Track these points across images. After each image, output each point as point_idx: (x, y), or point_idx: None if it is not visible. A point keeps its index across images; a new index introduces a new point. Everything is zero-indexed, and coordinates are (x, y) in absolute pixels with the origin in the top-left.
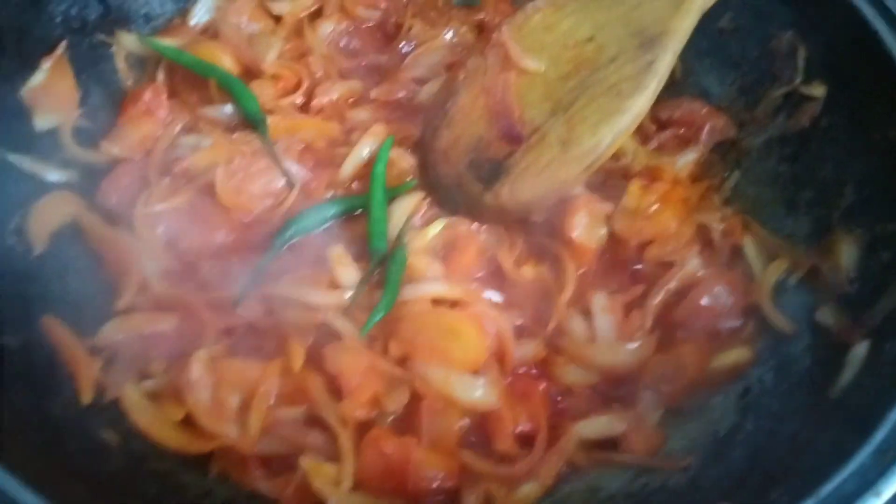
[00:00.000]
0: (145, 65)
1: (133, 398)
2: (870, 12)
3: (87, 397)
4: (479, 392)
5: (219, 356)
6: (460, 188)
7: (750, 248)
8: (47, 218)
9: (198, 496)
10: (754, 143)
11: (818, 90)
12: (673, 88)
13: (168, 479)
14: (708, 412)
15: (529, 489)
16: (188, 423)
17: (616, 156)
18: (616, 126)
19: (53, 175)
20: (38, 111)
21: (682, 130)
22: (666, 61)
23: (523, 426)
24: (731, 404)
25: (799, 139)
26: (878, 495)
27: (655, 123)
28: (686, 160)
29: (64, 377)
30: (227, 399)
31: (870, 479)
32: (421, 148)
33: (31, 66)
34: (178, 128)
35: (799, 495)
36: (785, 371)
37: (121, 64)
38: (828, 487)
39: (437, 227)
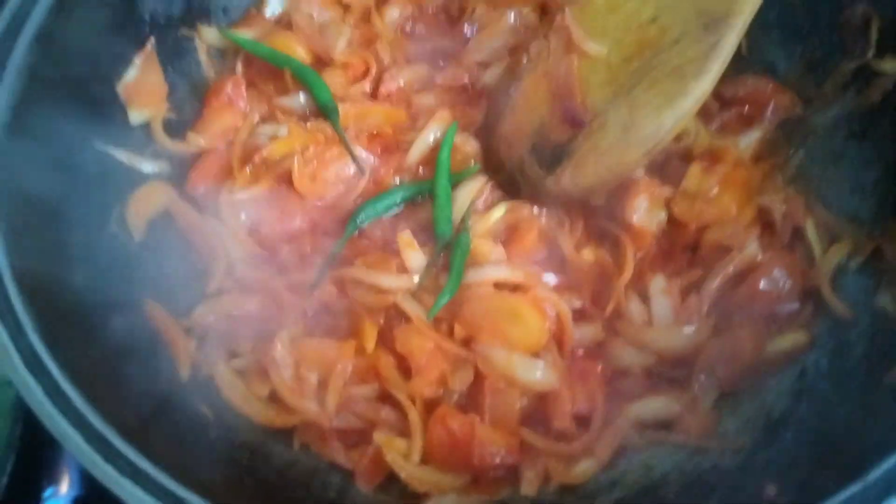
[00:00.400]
0: (225, 57)
1: (224, 375)
2: None
3: (185, 373)
4: (539, 373)
5: (298, 336)
6: (522, 172)
7: (811, 229)
8: (143, 207)
9: (285, 465)
10: (821, 120)
11: (891, 65)
12: (738, 64)
13: (258, 450)
14: (762, 394)
15: (586, 466)
16: (273, 398)
17: (678, 137)
18: (678, 109)
19: (147, 166)
20: (132, 106)
21: (745, 108)
22: (731, 42)
23: (581, 406)
24: (786, 387)
25: (868, 116)
26: None
27: (718, 101)
28: (749, 140)
29: (165, 355)
30: (306, 377)
31: None
32: (484, 133)
33: (124, 62)
34: (256, 118)
35: (846, 479)
36: (841, 355)
37: (203, 57)
38: (875, 473)
39: (499, 211)
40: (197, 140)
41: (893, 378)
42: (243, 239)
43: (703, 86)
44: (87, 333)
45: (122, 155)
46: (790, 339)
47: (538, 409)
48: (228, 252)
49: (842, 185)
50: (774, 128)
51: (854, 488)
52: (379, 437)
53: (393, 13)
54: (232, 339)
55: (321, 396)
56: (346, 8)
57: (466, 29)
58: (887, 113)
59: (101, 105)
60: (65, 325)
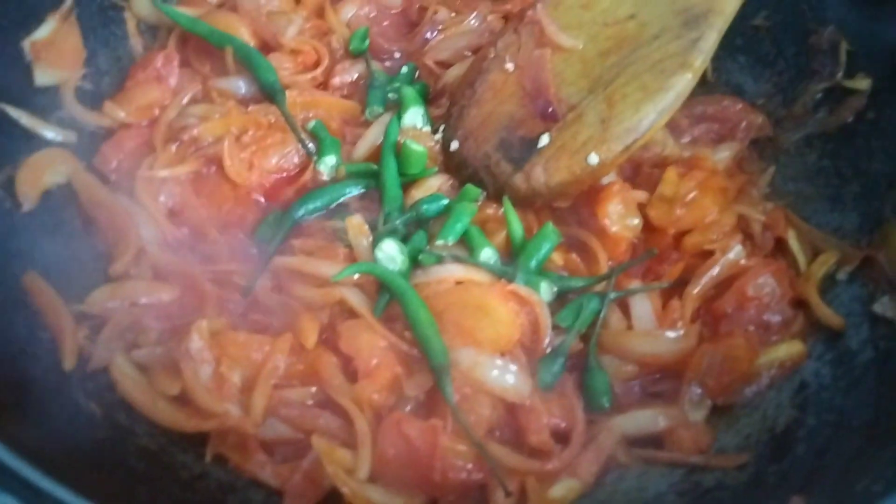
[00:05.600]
0: (157, 32)
1: (123, 368)
2: None
3: (69, 363)
4: (510, 378)
5: (221, 330)
6: (488, 169)
7: (794, 241)
8: (40, 174)
9: (191, 478)
10: (792, 139)
11: (862, 83)
12: (704, 88)
13: (158, 457)
14: (761, 408)
15: (567, 487)
16: (184, 399)
17: (647, 146)
18: (660, 104)
19: (50, 132)
20: (39, 66)
21: (716, 126)
22: (711, 40)
23: (558, 421)
24: (787, 400)
25: (842, 134)
26: None
27: (688, 118)
28: (722, 155)
29: (46, 341)
30: (228, 375)
31: None
32: (445, 129)
33: (36, 18)
34: (187, 97)
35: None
36: (844, 364)
37: (132, 29)
38: None
39: None
40: (115, 112)
41: None
42: (160, 221)
43: (684, 81)
44: None
45: (20, 115)
46: (785, 349)
47: (509, 423)
48: (141, 234)
49: (821, 201)
50: (746, 146)
51: None
52: (319, 443)
53: (348, 10)
54: (135, 330)
55: (246, 399)
56: (298, 0)
57: (427, 32)
58: (862, 130)
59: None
60: None
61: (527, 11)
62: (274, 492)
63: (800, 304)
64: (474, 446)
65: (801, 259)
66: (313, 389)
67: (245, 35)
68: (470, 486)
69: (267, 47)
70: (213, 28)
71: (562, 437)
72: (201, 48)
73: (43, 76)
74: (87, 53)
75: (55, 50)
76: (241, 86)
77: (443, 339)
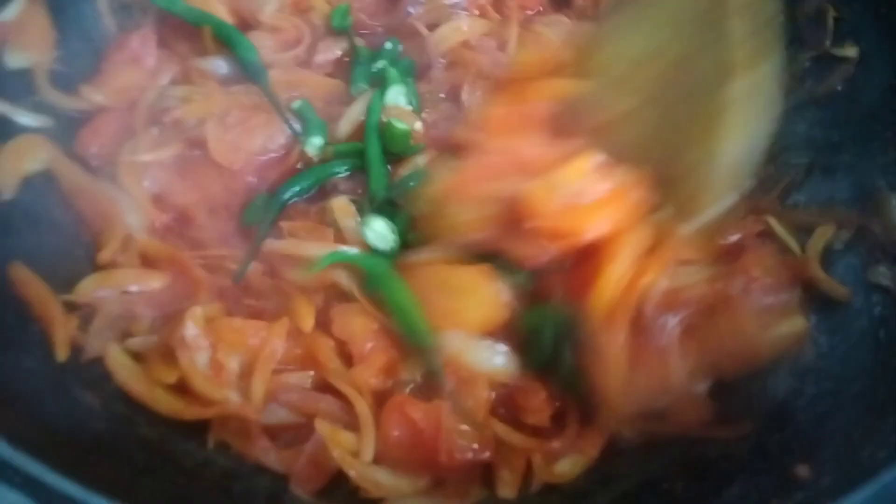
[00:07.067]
0: (131, 12)
1: (118, 358)
2: None
3: (62, 354)
4: (499, 359)
5: (216, 316)
6: None
7: (776, 226)
8: (17, 162)
9: (195, 466)
10: (782, 108)
11: (850, 51)
12: None
13: (159, 446)
14: (759, 380)
15: (572, 462)
16: (182, 386)
17: None
18: None
19: (25, 118)
20: (9, 48)
21: None
22: None
23: (556, 399)
24: (785, 370)
25: (831, 102)
26: None
27: None
28: None
29: (36, 332)
30: (226, 361)
31: None
32: None
33: None
34: (166, 78)
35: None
36: (840, 333)
37: (104, 8)
38: None
39: None
40: (92, 96)
41: None
42: (146, 207)
43: None
44: None
45: None
46: (787, 326)
47: (508, 403)
48: (127, 221)
49: (812, 172)
50: None
51: None
52: (322, 427)
53: None
54: (127, 318)
55: (244, 386)
56: None
57: (408, 7)
58: (850, 96)
59: None
60: None
61: None
62: (279, 477)
63: (797, 277)
64: (476, 427)
65: (793, 243)
66: (312, 373)
67: (222, 13)
68: (476, 466)
69: (246, 25)
70: (189, 6)
71: (560, 416)
72: (178, 27)
73: (14, 59)
74: (59, 35)
75: (24, 31)
76: (221, 65)
77: (427, 324)
